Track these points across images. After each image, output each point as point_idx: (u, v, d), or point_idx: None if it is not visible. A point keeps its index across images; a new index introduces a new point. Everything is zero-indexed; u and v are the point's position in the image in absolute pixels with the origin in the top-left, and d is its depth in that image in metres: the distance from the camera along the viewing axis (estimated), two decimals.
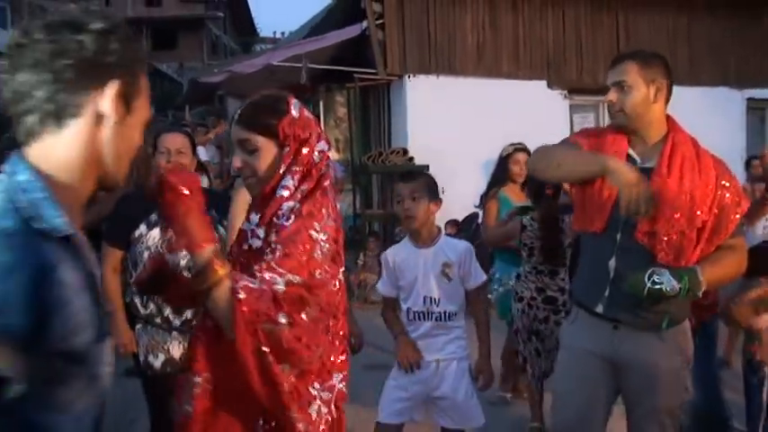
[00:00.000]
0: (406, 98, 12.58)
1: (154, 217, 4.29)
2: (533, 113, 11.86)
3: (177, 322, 4.40)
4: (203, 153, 11.55)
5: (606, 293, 3.65)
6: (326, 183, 2.62)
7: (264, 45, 46.50)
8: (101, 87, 1.66)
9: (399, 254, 4.42)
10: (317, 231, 2.49)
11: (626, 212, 3.35)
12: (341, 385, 2.70)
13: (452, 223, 9.96)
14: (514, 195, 6.55)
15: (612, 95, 3.64)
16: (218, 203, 4.44)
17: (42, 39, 1.62)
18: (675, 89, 12.01)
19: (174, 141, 4.53)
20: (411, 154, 12.05)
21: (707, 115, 12.87)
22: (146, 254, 4.31)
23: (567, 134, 12.45)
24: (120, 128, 1.71)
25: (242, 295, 2.24)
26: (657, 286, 3.28)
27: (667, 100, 3.68)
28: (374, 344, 4.84)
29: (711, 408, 4.79)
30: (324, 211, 2.55)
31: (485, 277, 4.54)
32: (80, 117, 1.65)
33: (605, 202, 3.59)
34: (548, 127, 11.22)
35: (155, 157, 4.51)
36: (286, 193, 2.52)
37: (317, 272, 2.43)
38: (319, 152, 2.61)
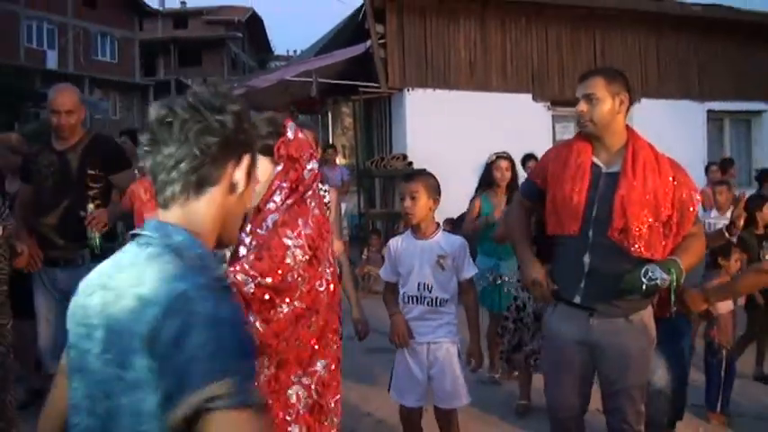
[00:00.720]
0: (405, 109, 12.54)
1: None
2: (520, 123, 11.83)
3: None
4: None
5: (582, 286, 3.68)
6: (308, 194, 2.62)
7: (279, 62, 46.57)
8: (236, 161, 1.70)
9: (401, 244, 4.42)
10: (290, 238, 2.50)
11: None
12: (324, 371, 2.69)
13: (448, 221, 9.91)
14: (495, 198, 6.64)
15: (583, 106, 3.67)
16: None
17: (189, 118, 1.63)
18: (645, 101, 12.05)
19: None
20: (410, 159, 12.02)
21: (672, 125, 12.91)
22: None
23: (549, 141, 12.52)
24: (242, 195, 1.75)
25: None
26: (653, 282, 3.36)
27: (627, 110, 3.72)
28: (377, 329, 4.81)
29: (674, 386, 4.78)
30: (300, 220, 2.55)
31: (476, 270, 4.52)
32: (218, 185, 1.68)
33: (577, 206, 3.64)
34: (533, 135, 11.21)
35: None
36: (272, 206, 2.55)
37: (289, 275, 2.44)
38: (309, 170, 2.62)
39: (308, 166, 2.61)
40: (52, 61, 40.60)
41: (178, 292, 1.45)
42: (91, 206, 4.99)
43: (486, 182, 6.76)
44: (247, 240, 2.57)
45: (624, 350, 3.67)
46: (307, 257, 2.53)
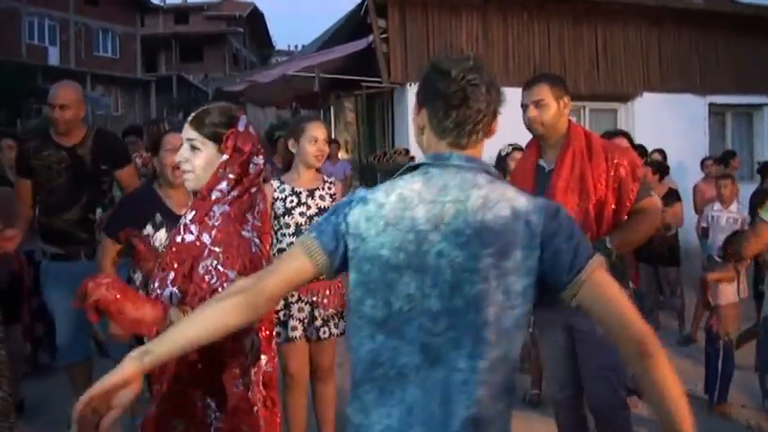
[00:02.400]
0: (407, 104, 12.54)
1: (159, 218, 4.15)
2: (522, 117, 11.84)
3: None
4: None
5: None
6: (254, 190, 2.69)
7: (281, 57, 46.56)
8: None
9: None
10: (247, 231, 2.59)
11: None
12: (267, 366, 2.75)
13: None
14: None
15: (533, 112, 3.96)
16: None
17: (491, 83, 2.10)
18: (647, 95, 12.05)
19: (178, 140, 4.45)
20: (412, 153, 12.05)
21: (674, 119, 12.95)
22: None
23: None
24: None
25: None
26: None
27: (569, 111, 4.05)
28: None
29: None
30: (248, 215, 2.64)
31: None
32: None
33: None
34: None
35: (159, 156, 4.33)
36: (217, 196, 2.59)
37: (248, 266, 2.50)
38: (254, 165, 2.67)
39: (254, 161, 2.67)
40: (54, 58, 40.64)
41: (546, 204, 2.03)
42: (99, 210, 5.12)
43: (502, 173, 6.81)
44: (193, 228, 2.58)
45: (594, 332, 3.75)
46: (258, 249, 2.62)
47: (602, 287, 1.95)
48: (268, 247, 2.80)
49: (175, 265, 2.55)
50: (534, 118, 3.94)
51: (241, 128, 2.67)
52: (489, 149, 7.00)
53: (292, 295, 4.43)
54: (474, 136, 2.08)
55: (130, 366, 1.92)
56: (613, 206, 3.85)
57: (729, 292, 5.74)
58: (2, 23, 37.38)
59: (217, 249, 2.50)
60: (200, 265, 2.49)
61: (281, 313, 4.45)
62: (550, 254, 1.95)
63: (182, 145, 2.71)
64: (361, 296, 1.99)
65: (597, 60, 13.43)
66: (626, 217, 3.90)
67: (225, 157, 2.63)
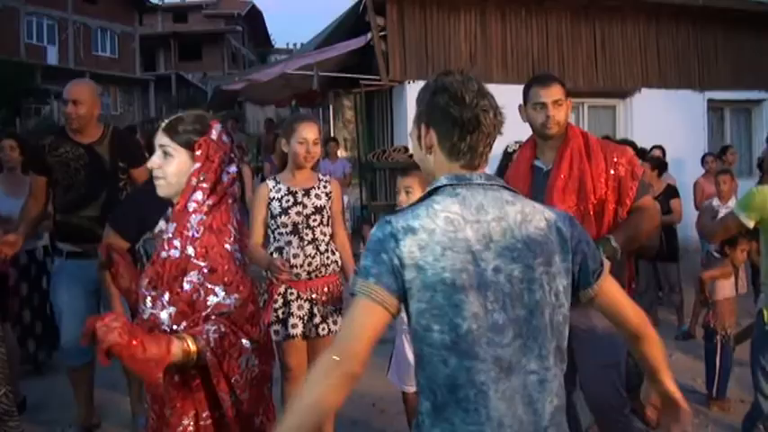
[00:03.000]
0: (406, 101, 12.55)
1: (170, 213, 4.16)
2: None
3: None
4: None
5: None
6: (230, 200, 2.68)
7: (279, 55, 46.50)
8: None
9: None
10: (230, 244, 2.57)
11: None
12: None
13: None
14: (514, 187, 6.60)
15: (553, 111, 3.88)
16: None
17: (497, 112, 2.26)
18: (645, 91, 12.05)
19: None
20: (411, 151, 12.05)
21: (673, 114, 12.96)
22: None
23: None
24: None
25: (209, 356, 2.35)
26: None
27: None
28: None
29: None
30: (230, 226, 2.62)
31: None
32: None
33: None
34: None
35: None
36: (194, 207, 2.58)
37: (233, 281, 2.51)
38: (227, 173, 2.66)
39: (228, 169, 2.66)
40: (53, 57, 40.63)
41: (562, 213, 2.30)
42: None
43: (505, 170, 6.81)
44: (177, 243, 2.55)
45: (592, 330, 3.79)
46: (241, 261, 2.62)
47: (611, 288, 2.30)
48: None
49: (165, 283, 2.54)
50: (553, 117, 3.86)
51: (214, 136, 2.65)
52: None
53: (292, 293, 4.46)
54: (484, 156, 2.24)
55: None
56: (613, 205, 3.84)
57: (726, 287, 5.76)
58: (0, 23, 37.38)
59: (201, 263, 2.48)
60: (185, 281, 2.48)
61: (281, 311, 4.47)
62: (580, 258, 2.21)
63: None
64: (426, 324, 2.03)
65: (595, 57, 13.45)
66: (626, 215, 3.89)
67: (196, 165, 2.60)
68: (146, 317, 2.55)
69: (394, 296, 2.04)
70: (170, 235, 2.59)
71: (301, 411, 2.04)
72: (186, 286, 2.46)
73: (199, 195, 2.58)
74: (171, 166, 2.61)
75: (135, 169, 5.33)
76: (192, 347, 2.32)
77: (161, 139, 2.63)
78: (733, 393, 5.87)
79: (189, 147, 2.62)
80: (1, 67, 30.98)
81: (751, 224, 4.33)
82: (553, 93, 3.88)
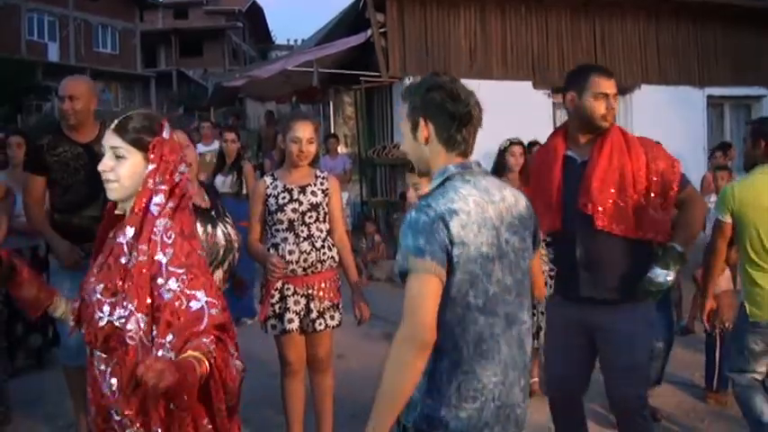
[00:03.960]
0: None
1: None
2: (521, 111, 11.85)
3: None
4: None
5: (580, 279, 3.83)
6: (187, 202, 2.61)
7: (280, 52, 46.50)
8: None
9: None
10: (202, 250, 2.57)
11: None
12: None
13: None
14: (511, 184, 6.60)
15: (614, 103, 3.81)
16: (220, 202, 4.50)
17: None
18: (645, 87, 11.99)
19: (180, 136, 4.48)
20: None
21: (672, 111, 12.97)
22: None
23: (550, 127, 12.48)
24: None
25: (215, 371, 2.29)
26: (660, 285, 3.62)
27: None
28: (378, 315, 4.91)
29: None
30: (195, 229, 2.62)
31: None
32: None
33: (553, 202, 3.85)
34: (534, 122, 11.20)
35: None
36: (157, 210, 2.48)
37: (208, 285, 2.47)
38: (180, 173, 2.58)
39: (180, 169, 2.59)
40: (54, 54, 40.68)
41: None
42: None
43: (499, 168, 6.86)
44: (144, 248, 2.44)
45: (621, 332, 3.79)
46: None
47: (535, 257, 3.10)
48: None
49: (135, 290, 2.41)
50: (612, 110, 3.78)
51: (166, 135, 2.57)
52: (485, 145, 7.02)
53: (288, 288, 4.51)
54: (473, 146, 2.66)
55: None
56: (656, 199, 3.75)
57: (722, 281, 5.77)
58: (2, 20, 37.40)
59: (179, 271, 2.40)
60: (164, 289, 2.39)
61: (277, 306, 4.51)
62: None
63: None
64: (465, 291, 2.45)
65: (595, 53, 13.45)
66: (671, 207, 3.84)
67: (151, 166, 2.51)
68: (102, 325, 2.43)
69: (444, 270, 2.39)
70: (129, 240, 2.47)
71: (394, 389, 2.37)
72: (167, 295, 2.38)
73: (160, 198, 2.49)
74: (124, 168, 2.51)
75: None
76: (206, 367, 2.24)
77: (111, 140, 2.53)
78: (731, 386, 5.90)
79: (142, 147, 2.52)
80: (2, 64, 31.01)
81: (728, 220, 4.50)
82: (613, 85, 3.81)
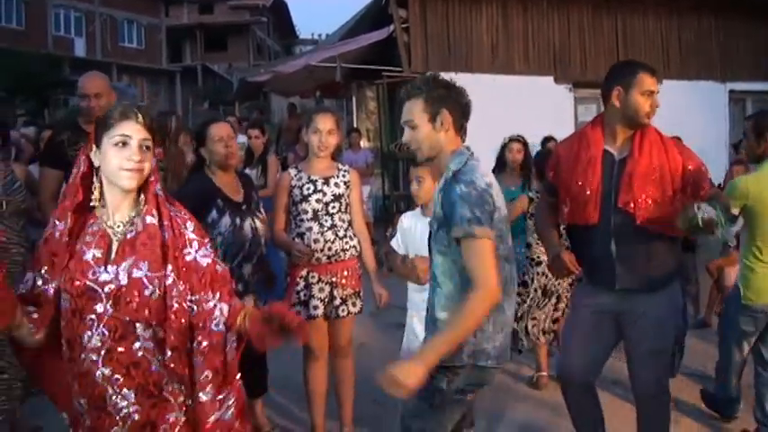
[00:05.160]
0: None
1: (221, 203, 4.48)
2: (542, 105, 11.96)
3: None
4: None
5: (615, 273, 3.91)
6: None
7: (304, 46, 46.62)
8: None
9: (410, 219, 4.69)
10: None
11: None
12: None
13: None
14: (508, 179, 6.77)
15: (656, 101, 3.90)
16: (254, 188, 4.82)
17: None
18: (667, 83, 11.93)
19: (225, 129, 4.68)
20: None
21: (694, 106, 12.96)
22: (218, 239, 4.42)
23: (571, 122, 12.62)
24: None
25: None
26: (708, 216, 3.51)
27: None
28: (396, 305, 5.04)
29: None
30: None
31: None
32: None
33: (593, 196, 3.88)
34: (555, 117, 11.33)
35: (208, 145, 4.61)
36: (162, 194, 2.71)
37: None
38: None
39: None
40: (80, 49, 41.00)
41: None
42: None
43: (500, 164, 7.02)
44: (168, 223, 2.73)
45: (651, 316, 3.91)
46: None
47: None
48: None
49: (175, 262, 2.64)
50: (656, 108, 3.87)
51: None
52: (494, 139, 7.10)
53: (313, 276, 4.69)
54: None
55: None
56: (688, 199, 3.78)
57: (734, 274, 5.86)
58: (29, 15, 37.81)
59: (199, 239, 2.77)
60: (197, 256, 2.73)
61: (302, 293, 4.70)
62: None
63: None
64: (498, 245, 3.04)
65: (617, 48, 13.50)
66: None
67: (154, 159, 2.69)
68: (155, 298, 2.59)
69: (493, 233, 3.01)
70: (155, 221, 2.65)
71: (463, 335, 2.97)
72: (203, 261, 2.71)
73: (160, 184, 2.72)
74: (149, 159, 2.63)
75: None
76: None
77: (142, 133, 2.61)
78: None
79: (157, 141, 2.72)
80: (29, 59, 31.31)
81: (736, 211, 4.61)
82: (656, 84, 3.89)
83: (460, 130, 3.21)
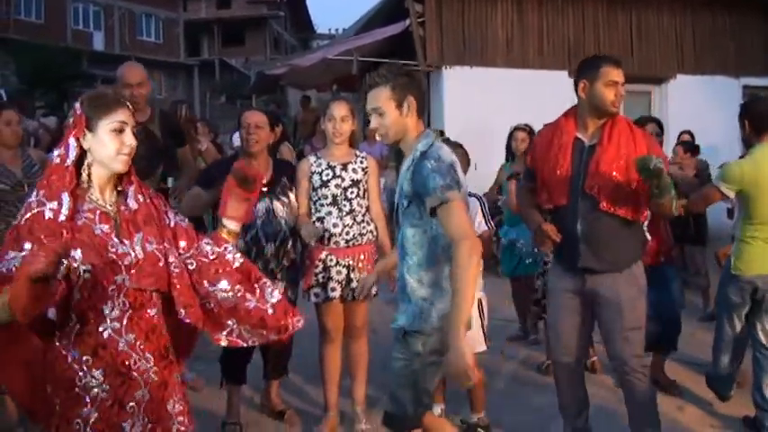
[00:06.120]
0: (443, 87, 12.79)
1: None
2: (556, 99, 11.85)
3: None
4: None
5: (579, 251, 4.21)
6: None
7: (321, 41, 46.66)
8: None
9: None
10: None
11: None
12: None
13: (485, 195, 10.18)
14: (517, 167, 6.97)
15: (623, 91, 4.19)
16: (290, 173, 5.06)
17: None
18: (681, 77, 12.04)
19: (254, 117, 4.92)
20: (447, 135, 12.22)
21: (708, 101, 12.97)
22: None
23: None
24: None
25: None
26: (661, 165, 3.79)
27: None
28: None
29: (665, 328, 5.56)
30: None
31: (485, 228, 5.12)
32: None
33: (562, 179, 4.20)
34: None
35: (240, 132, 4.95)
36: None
37: None
38: None
39: None
40: (99, 42, 41.35)
41: None
42: (171, 180, 5.52)
43: (509, 152, 7.21)
44: (154, 201, 3.01)
45: (618, 297, 4.18)
46: None
47: None
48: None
49: (170, 233, 2.97)
50: (621, 97, 4.13)
51: None
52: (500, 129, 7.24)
53: (331, 259, 4.88)
54: None
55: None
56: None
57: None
58: (49, 9, 38.15)
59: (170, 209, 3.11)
60: (176, 221, 3.03)
61: (321, 275, 4.90)
62: None
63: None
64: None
65: (631, 43, 13.53)
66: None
67: None
68: (167, 269, 2.85)
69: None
70: (145, 200, 2.93)
71: (472, 290, 3.16)
72: (183, 224, 3.04)
73: None
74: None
75: (181, 148, 5.86)
76: None
77: (132, 119, 2.86)
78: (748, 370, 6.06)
79: None
80: (49, 52, 31.63)
81: (731, 194, 4.91)
82: (621, 74, 4.15)
83: (421, 113, 3.47)
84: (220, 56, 50.16)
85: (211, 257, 2.97)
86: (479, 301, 4.84)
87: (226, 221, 3.09)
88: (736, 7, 13.91)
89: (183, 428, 2.87)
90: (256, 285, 2.99)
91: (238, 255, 3.05)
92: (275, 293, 3.01)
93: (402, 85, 3.42)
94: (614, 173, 4.05)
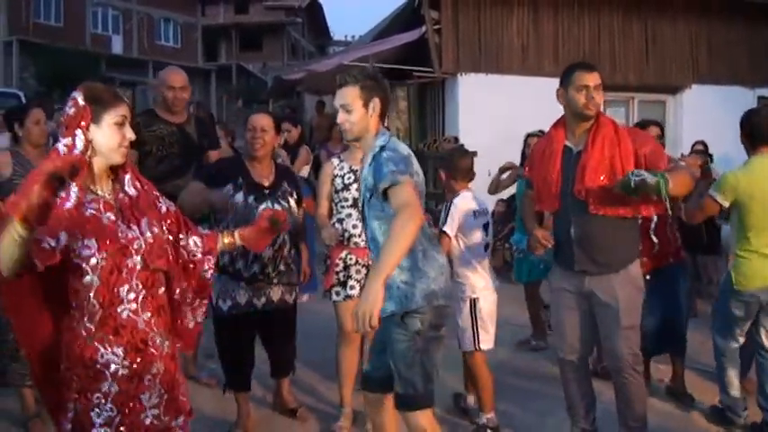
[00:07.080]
0: (458, 93, 12.89)
1: (240, 181, 4.80)
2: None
3: (245, 274, 4.83)
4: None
5: (575, 255, 4.38)
6: None
7: (338, 47, 46.83)
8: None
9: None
10: None
11: None
12: None
13: (500, 202, 10.23)
14: None
15: (596, 94, 4.30)
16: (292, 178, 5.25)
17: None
18: (696, 87, 12.01)
19: (260, 121, 4.97)
20: (462, 142, 12.29)
21: (723, 111, 12.91)
22: (231, 213, 4.77)
23: None
24: None
25: None
26: (640, 177, 3.89)
27: None
28: None
29: (665, 328, 5.68)
30: None
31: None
32: None
33: (553, 186, 4.40)
34: None
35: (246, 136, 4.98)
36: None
37: None
38: None
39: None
40: (117, 46, 41.63)
41: None
42: None
43: (524, 158, 7.30)
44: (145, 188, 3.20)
45: (614, 298, 4.31)
46: None
47: None
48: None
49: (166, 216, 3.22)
50: (594, 100, 4.23)
51: None
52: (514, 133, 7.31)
53: (351, 258, 5.03)
54: None
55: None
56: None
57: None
58: (68, 13, 38.45)
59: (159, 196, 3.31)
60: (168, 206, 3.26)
61: (341, 274, 5.04)
62: None
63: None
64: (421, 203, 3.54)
65: (646, 52, 13.58)
66: None
67: None
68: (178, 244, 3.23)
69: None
70: (142, 188, 3.11)
71: (402, 253, 3.25)
72: (172, 208, 3.29)
73: None
74: None
75: (214, 150, 6.07)
76: None
77: (129, 114, 2.95)
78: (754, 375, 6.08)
79: None
80: (68, 56, 31.93)
81: (726, 204, 4.98)
82: (595, 78, 4.26)
83: (383, 114, 3.69)
84: (238, 61, 50.37)
85: (191, 257, 3.28)
86: (474, 301, 5.08)
87: (239, 241, 3.51)
88: (752, 18, 13.94)
89: (184, 399, 3.10)
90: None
91: (210, 271, 3.34)
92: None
93: (370, 86, 3.65)
94: (601, 176, 4.19)
